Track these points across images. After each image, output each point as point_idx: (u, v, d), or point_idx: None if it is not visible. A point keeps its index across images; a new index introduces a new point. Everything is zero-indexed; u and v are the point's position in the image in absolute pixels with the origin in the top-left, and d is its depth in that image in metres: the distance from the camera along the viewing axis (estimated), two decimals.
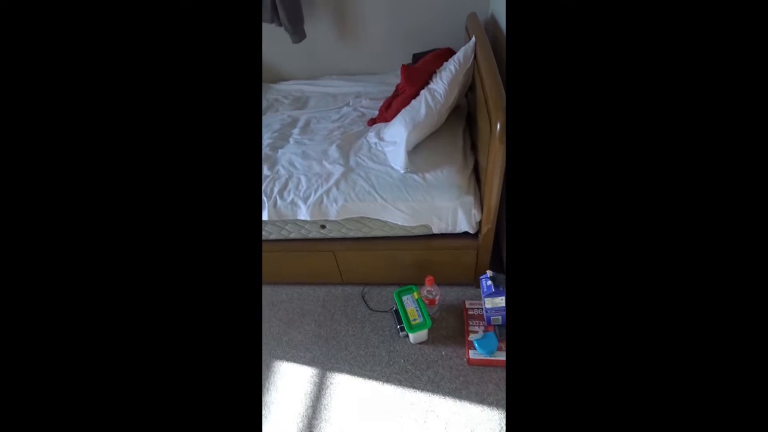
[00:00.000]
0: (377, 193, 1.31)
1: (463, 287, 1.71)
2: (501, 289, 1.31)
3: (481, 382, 1.34)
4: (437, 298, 1.51)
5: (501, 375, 1.41)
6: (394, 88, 1.69)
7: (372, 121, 1.66)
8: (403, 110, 1.40)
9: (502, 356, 1.41)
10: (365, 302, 1.64)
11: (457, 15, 1.84)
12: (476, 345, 1.42)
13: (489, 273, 1.35)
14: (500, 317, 1.44)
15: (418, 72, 1.53)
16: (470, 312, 1.56)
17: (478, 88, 1.33)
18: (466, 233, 1.44)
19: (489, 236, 1.44)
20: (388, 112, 1.57)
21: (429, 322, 1.41)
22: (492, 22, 1.77)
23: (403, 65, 1.56)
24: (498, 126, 1.02)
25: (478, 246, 1.49)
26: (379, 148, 1.45)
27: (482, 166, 1.29)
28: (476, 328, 1.49)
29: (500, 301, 1.35)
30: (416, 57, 1.78)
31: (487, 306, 1.37)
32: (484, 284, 1.36)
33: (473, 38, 1.41)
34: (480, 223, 1.38)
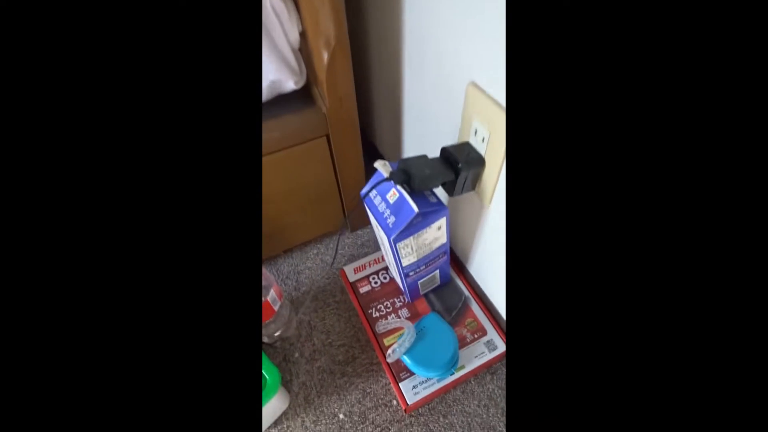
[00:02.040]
0: None
1: (328, 239, 0.82)
2: (424, 196, 0.44)
3: None
4: (275, 297, 0.55)
5: (480, 404, 0.60)
6: None
7: None
8: None
9: (473, 364, 0.58)
10: None
11: None
12: (407, 362, 0.56)
13: (382, 163, 0.45)
14: (437, 272, 0.59)
15: None
16: (362, 288, 0.67)
17: None
18: (287, 99, 0.51)
19: (344, 91, 0.53)
20: None
21: (275, 376, 0.46)
22: None
23: None
24: None
25: (327, 126, 0.57)
26: None
27: None
28: (390, 321, 0.62)
29: (435, 234, 0.48)
30: None
31: (402, 254, 0.49)
32: (382, 195, 0.46)
33: None
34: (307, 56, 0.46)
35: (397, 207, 0.43)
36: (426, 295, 0.64)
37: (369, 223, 0.84)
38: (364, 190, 0.47)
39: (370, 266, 0.69)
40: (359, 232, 0.84)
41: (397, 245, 0.45)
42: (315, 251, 0.81)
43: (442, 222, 0.47)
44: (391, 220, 0.44)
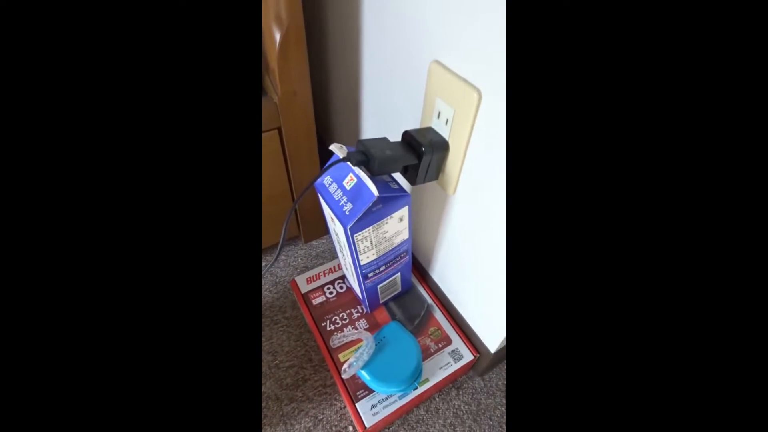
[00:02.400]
0: None
1: (287, 247, 0.75)
2: (385, 182, 0.40)
3: None
4: None
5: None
6: None
7: None
8: None
9: (438, 377, 0.53)
10: None
11: None
12: (365, 378, 0.49)
13: (338, 146, 0.41)
14: (398, 275, 0.54)
15: None
16: (315, 300, 0.60)
17: None
18: None
19: (298, 78, 0.49)
20: None
21: None
22: None
23: None
24: None
25: (278, 117, 0.53)
26: None
27: None
28: (347, 334, 0.55)
29: (396, 227, 0.44)
30: None
31: (360, 249, 0.44)
32: (338, 181, 0.41)
33: None
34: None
35: (355, 193, 0.39)
36: (386, 304, 0.59)
37: (325, 232, 0.78)
38: (318, 179, 0.42)
39: (325, 275, 0.63)
40: (314, 242, 0.77)
41: (354, 237, 0.40)
42: (263, 263, 0.73)
43: (405, 212, 0.43)
44: (348, 207, 0.39)
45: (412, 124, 0.49)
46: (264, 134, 0.54)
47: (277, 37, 0.45)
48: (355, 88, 0.62)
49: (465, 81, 0.36)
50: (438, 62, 0.39)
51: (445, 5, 0.36)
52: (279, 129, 0.54)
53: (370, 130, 0.64)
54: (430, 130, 0.43)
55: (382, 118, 0.57)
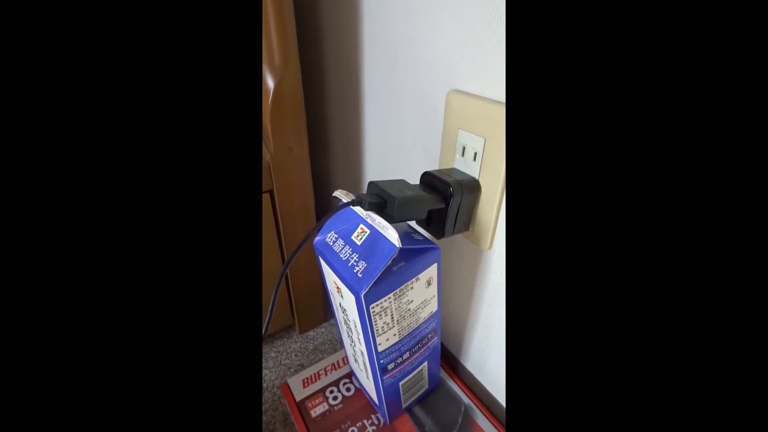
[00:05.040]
0: None
1: (267, 344, 0.61)
2: (405, 233, 0.30)
3: None
4: None
5: None
6: None
7: None
8: None
9: None
10: None
11: None
12: None
13: (343, 192, 0.33)
14: (425, 366, 0.41)
15: None
16: (315, 410, 0.45)
17: None
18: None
19: (294, 134, 0.44)
20: None
21: None
22: None
23: None
24: None
25: (270, 179, 0.46)
26: None
27: None
28: None
29: (423, 293, 0.33)
30: None
31: (378, 328, 0.32)
32: (345, 237, 0.31)
33: None
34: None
35: (369, 247, 0.29)
36: (410, 410, 0.44)
37: (324, 319, 0.65)
38: (317, 233, 0.33)
39: (326, 373, 0.48)
40: (311, 333, 0.64)
41: (370, 309, 0.29)
42: None
43: (433, 273, 0.33)
44: (361, 267, 0.29)
45: (428, 168, 0.42)
46: None
47: (271, 85, 0.40)
48: (357, 138, 0.56)
49: (496, 102, 0.30)
50: (457, 90, 0.34)
51: (457, 26, 0.32)
52: (271, 192, 0.47)
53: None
54: (453, 170, 0.35)
55: (390, 166, 0.50)
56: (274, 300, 0.26)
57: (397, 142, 0.47)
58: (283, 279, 0.54)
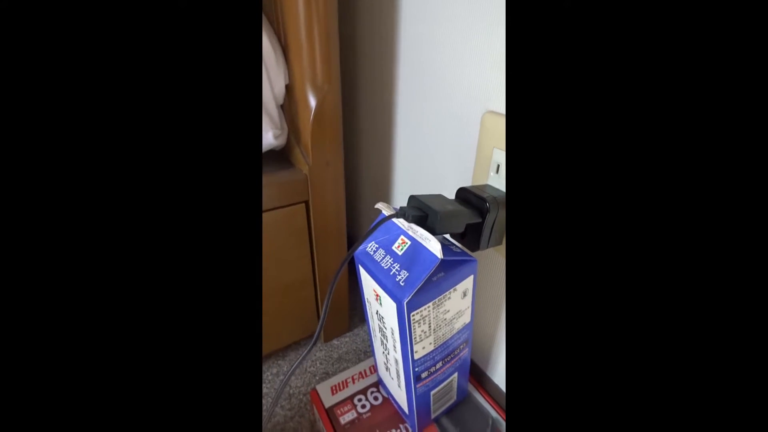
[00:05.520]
0: None
1: (293, 352, 0.63)
2: (443, 245, 0.32)
3: None
4: None
5: None
6: None
7: None
8: None
9: None
10: None
11: None
12: None
13: (385, 205, 0.35)
14: (455, 377, 0.41)
15: None
16: (343, 417, 0.46)
17: None
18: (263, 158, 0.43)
19: (331, 148, 0.46)
20: None
21: None
22: None
23: None
24: None
25: (307, 189, 0.48)
26: None
27: None
28: None
29: (458, 304, 0.34)
30: None
31: (416, 336, 0.33)
32: (386, 247, 0.33)
33: None
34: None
35: (410, 257, 0.31)
36: (438, 421, 0.44)
37: (348, 329, 0.66)
38: (360, 245, 0.35)
39: (354, 382, 0.49)
40: (335, 342, 0.65)
41: (411, 317, 0.31)
42: (274, 370, 0.59)
43: (469, 284, 0.34)
44: (403, 276, 0.30)
45: (459, 185, 0.43)
46: (290, 208, 0.48)
47: (313, 104, 0.43)
48: (387, 154, 0.59)
49: None
50: (493, 112, 0.36)
51: (491, 51, 0.34)
52: (306, 203, 0.49)
53: (404, 200, 0.59)
54: (487, 186, 0.37)
55: (422, 185, 0.52)
56: (326, 308, 0.27)
57: (428, 159, 0.49)
58: (314, 280, 0.56)
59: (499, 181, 0.36)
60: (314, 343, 0.28)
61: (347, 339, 0.65)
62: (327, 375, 0.59)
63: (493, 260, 0.42)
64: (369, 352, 0.63)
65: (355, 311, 0.71)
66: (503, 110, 0.35)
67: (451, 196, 0.37)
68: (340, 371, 0.57)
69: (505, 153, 0.34)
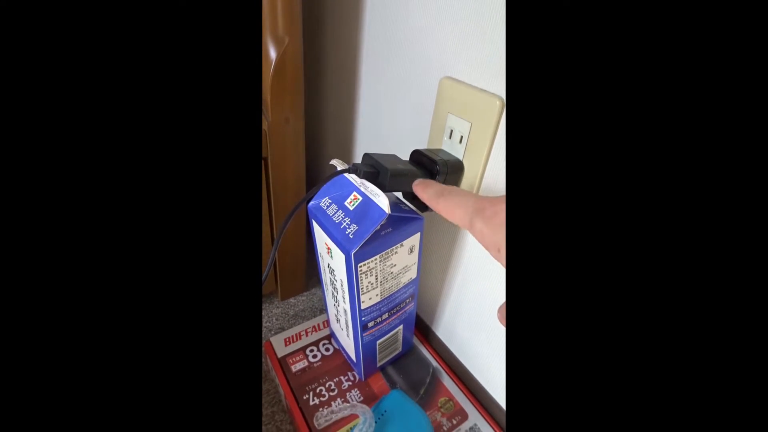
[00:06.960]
0: None
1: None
2: (394, 203, 0.34)
3: None
4: None
5: None
6: None
7: None
8: None
9: None
10: None
11: None
12: None
13: (338, 161, 0.35)
14: (400, 329, 0.45)
15: None
16: (295, 366, 0.48)
17: None
18: None
19: (291, 104, 0.45)
20: None
21: None
22: None
23: None
24: None
25: (266, 146, 0.47)
26: None
27: None
28: (337, 408, 0.43)
29: (405, 260, 0.36)
30: None
31: (363, 287, 0.35)
32: (339, 202, 0.34)
33: None
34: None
35: (361, 212, 0.32)
36: (383, 369, 0.48)
37: (305, 288, 0.68)
38: (312, 197, 0.36)
39: (307, 334, 0.52)
40: (292, 300, 0.67)
41: (358, 268, 0.33)
42: None
43: (416, 241, 0.36)
44: (352, 229, 0.32)
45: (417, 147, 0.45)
46: None
47: (273, 56, 0.42)
48: (350, 113, 0.59)
49: (484, 91, 0.33)
50: (450, 77, 0.37)
51: (455, 17, 0.34)
52: (265, 159, 0.49)
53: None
54: (440, 150, 0.39)
55: (380, 142, 0.53)
56: (273, 254, 0.28)
57: (389, 121, 0.49)
58: (271, 234, 0.57)
59: (452, 146, 0.38)
60: (265, 277, 0.29)
61: (304, 298, 0.67)
62: (282, 330, 0.61)
63: (443, 223, 0.44)
64: (324, 309, 0.65)
65: (312, 272, 0.72)
66: (460, 77, 0.36)
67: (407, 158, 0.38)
68: (294, 326, 0.59)
69: (459, 117, 0.36)
